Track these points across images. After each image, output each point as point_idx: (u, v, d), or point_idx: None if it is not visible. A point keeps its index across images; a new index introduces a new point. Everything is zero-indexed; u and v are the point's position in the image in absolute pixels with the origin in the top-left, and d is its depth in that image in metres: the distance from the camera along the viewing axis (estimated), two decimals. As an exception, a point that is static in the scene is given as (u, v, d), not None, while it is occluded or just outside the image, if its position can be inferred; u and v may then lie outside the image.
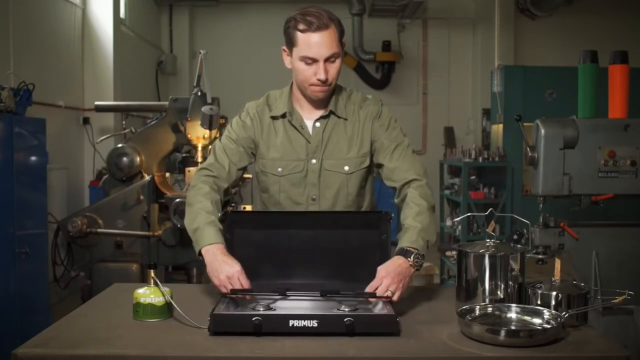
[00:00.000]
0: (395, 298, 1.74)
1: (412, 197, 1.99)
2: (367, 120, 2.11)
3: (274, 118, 2.12)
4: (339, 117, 2.10)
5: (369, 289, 1.75)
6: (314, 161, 2.08)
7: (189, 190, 2.08)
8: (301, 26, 1.93)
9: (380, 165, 2.12)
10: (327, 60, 1.96)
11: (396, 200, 2.08)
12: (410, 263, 1.82)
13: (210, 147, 4.37)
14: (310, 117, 2.10)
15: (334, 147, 2.09)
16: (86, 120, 6.50)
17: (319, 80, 1.97)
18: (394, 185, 2.08)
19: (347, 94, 2.14)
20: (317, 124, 2.09)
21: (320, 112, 2.09)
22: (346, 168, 2.09)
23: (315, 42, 1.93)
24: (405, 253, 1.84)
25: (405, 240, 1.88)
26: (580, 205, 2.63)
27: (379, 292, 1.73)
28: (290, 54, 2.01)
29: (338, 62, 1.99)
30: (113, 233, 4.34)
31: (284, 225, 1.93)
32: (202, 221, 1.90)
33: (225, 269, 1.79)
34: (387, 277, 1.76)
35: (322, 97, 2.05)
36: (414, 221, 1.92)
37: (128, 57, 7.46)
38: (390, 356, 1.51)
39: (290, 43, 1.99)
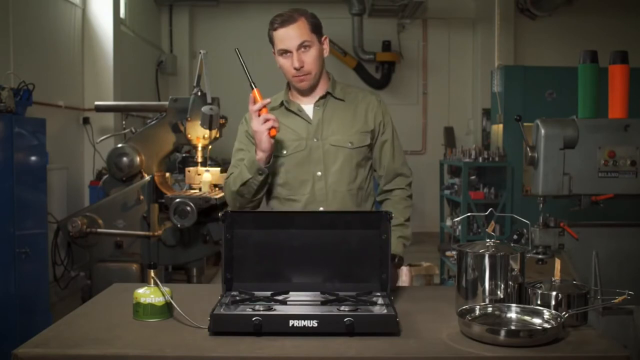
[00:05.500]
0: None
1: (396, 206, 2.28)
2: (371, 106, 2.29)
3: (272, 109, 2.25)
4: (336, 99, 2.27)
5: None
6: (315, 140, 2.22)
7: (225, 190, 2.31)
8: (275, 25, 2.16)
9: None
10: (299, 49, 2.13)
11: (381, 190, 2.35)
12: (394, 263, 2.12)
13: (210, 147, 4.41)
14: (307, 103, 2.27)
15: (338, 124, 2.24)
16: (86, 120, 6.51)
17: (294, 68, 2.14)
18: (381, 174, 2.33)
19: (344, 84, 2.35)
20: (318, 106, 2.26)
21: (317, 96, 2.26)
22: (350, 143, 2.23)
23: (286, 35, 2.13)
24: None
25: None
26: (580, 205, 2.63)
27: None
28: (275, 54, 2.21)
29: (313, 50, 2.16)
30: (113, 233, 4.34)
31: (284, 225, 1.93)
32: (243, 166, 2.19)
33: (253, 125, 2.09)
34: None
35: (305, 87, 2.22)
36: (395, 229, 2.15)
37: (128, 57, 7.46)
38: (390, 356, 1.51)
39: (271, 44, 2.21)
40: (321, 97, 2.25)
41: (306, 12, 2.18)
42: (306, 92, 2.25)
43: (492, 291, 1.78)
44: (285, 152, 2.22)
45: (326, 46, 2.22)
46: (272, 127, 2.06)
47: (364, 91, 2.36)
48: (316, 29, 2.17)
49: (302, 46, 2.13)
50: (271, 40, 2.19)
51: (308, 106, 2.26)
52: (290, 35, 2.12)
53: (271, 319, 1.61)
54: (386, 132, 2.31)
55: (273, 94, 2.35)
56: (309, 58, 2.15)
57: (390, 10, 9.21)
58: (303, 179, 2.23)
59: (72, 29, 6.38)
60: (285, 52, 2.15)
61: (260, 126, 2.06)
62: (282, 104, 2.27)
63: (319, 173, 2.21)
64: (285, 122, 2.23)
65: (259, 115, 2.06)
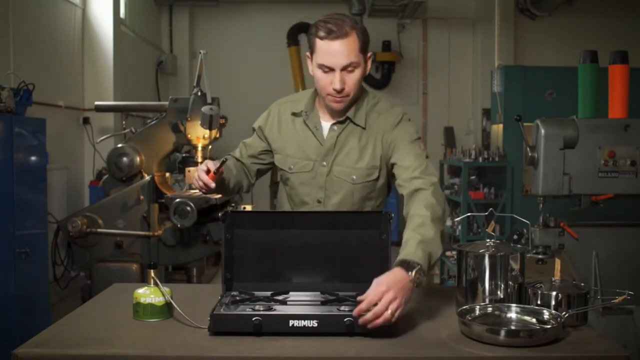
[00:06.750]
0: (394, 319, 1.56)
1: (415, 209, 1.85)
2: (387, 130, 2.05)
3: (294, 114, 2.14)
4: (356, 125, 2.07)
5: (365, 303, 1.56)
6: (324, 164, 2.09)
7: None
8: (320, 33, 1.92)
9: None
10: (344, 69, 1.93)
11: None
12: (411, 278, 1.62)
13: (210, 147, 4.41)
14: (328, 120, 2.10)
15: (345, 154, 2.08)
16: (86, 120, 6.50)
17: (334, 89, 1.94)
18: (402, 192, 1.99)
19: (373, 102, 2.10)
20: (335, 128, 2.08)
21: (339, 117, 2.07)
22: (354, 177, 2.08)
23: (332, 51, 1.90)
24: (407, 266, 1.64)
25: (404, 252, 1.70)
26: (580, 205, 2.64)
27: (378, 309, 1.54)
28: (311, 60, 2.00)
29: (357, 72, 1.95)
30: (113, 233, 4.34)
31: (284, 225, 1.93)
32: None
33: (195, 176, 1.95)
34: (389, 292, 1.56)
35: (340, 108, 2.02)
36: (414, 232, 1.75)
37: (128, 57, 7.46)
38: (390, 356, 1.51)
39: (311, 49, 1.98)
40: (340, 122, 2.06)
41: (356, 24, 1.94)
42: (336, 112, 2.06)
43: (492, 291, 1.78)
44: (291, 167, 2.13)
45: (369, 64, 1.99)
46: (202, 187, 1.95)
47: (389, 111, 2.08)
48: (364, 47, 1.94)
49: (348, 67, 1.92)
50: (312, 46, 1.96)
51: (327, 123, 2.09)
52: (337, 52, 1.90)
53: (271, 319, 1.61)
54: (397, 145, 2.04)
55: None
56: (352, 80, 1.94)
57: (390, 10, 9.20)
58: (304, 200, 2.15)
59: (72, 29, 6.38)
60: (326, 67, 1.93)
61: (197, 180, 1.94)
62: (302, 113, 2.11)
63: (319, 199, 2.12)
64: (301, 132, 2.12)
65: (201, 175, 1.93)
